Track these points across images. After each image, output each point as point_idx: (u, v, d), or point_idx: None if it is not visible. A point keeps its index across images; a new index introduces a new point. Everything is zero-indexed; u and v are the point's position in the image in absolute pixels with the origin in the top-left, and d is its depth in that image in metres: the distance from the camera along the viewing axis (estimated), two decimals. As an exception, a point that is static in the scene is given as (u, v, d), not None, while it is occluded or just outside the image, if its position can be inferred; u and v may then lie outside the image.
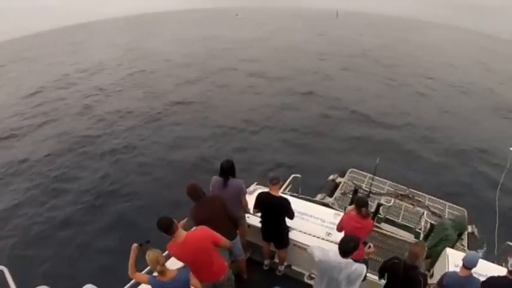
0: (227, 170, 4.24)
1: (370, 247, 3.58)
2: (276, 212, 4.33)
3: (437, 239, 5.37)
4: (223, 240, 3.43)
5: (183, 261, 3.32)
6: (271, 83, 22.63)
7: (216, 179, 4.38)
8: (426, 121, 17.16)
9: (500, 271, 3.68)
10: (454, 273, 3.55)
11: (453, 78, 25.49)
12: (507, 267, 3.42)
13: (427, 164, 12.90)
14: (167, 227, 3.07)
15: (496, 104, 20.65)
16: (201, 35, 40.01)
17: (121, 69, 26.42)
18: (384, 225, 6.98)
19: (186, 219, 3.82)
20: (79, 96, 20.45)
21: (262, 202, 4.32)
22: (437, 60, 31.37)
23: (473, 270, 3.45)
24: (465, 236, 6.66)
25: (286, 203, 4.24)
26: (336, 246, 3.26)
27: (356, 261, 3.29)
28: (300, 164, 11.78)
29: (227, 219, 3.91)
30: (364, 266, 3.26)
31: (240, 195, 4.33)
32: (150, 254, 2.87)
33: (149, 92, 20.85)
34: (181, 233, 3.18)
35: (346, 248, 3.16)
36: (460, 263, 3.70)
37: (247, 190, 4.82)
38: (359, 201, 4.01)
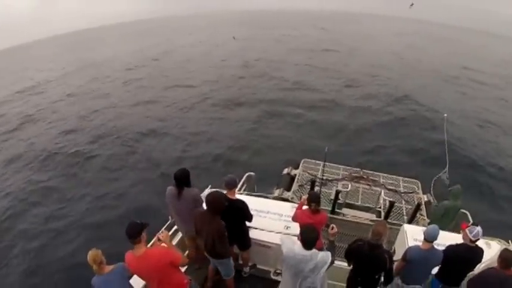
0: (180, 180, 3.97)
1: (332, 228, 3.52)
2: (234, 216, 4.13)
3: (452, 218, 5.36)
4: (181, 260, 3.33)
5: (138, 275, 3.28)
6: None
7: (170, 189, 4.11)
8: (366, 101, 18.19)
9: (456, 239, 3.79)
10: (417, 247, 3.61)
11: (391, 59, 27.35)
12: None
13: (371, 143, 13.49)
14: (134, 235, 2.99)
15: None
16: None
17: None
18: (345, 210, 7.11)
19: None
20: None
21: None
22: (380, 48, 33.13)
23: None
24: (423, 207, 6.97)
25: (244, 206, 4.10)
26: (296, 238, 3.23)
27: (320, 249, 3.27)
28: (252, 161, 11.83)
29: (214, 244, 3.76)
30: (329, 254, 3.25)
31: (197, 206, 4.07)
32: (90, 253, 2.88)
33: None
34: (141, 247, 3.08)
35: (309, 240, 3.15)
36: (418, 237, 3.78)
37: (203, 195, 4.55)
38: (310, 196, 4.02)
